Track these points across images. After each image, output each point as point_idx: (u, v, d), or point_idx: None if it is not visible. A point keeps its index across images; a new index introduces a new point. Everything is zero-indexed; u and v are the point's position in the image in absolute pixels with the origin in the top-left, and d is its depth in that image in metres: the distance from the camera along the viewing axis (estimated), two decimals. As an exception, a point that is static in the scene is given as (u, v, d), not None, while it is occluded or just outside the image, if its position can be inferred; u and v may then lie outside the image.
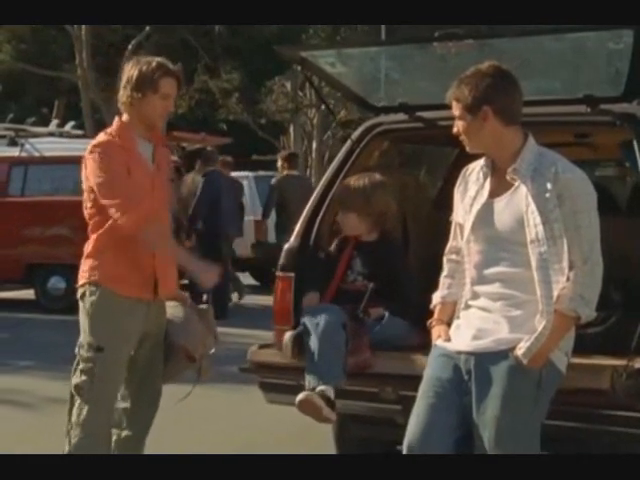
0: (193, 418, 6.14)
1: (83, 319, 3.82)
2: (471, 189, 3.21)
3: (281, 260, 4.32)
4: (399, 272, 4.13)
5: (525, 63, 3.88)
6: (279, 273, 4.31)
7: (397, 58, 4.26)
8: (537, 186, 3.02)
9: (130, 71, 3.75)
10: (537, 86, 4.00)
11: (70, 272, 10.81)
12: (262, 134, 27.52)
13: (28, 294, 11.65)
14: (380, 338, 3.90)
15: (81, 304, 3.87)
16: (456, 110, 3.11)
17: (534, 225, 3.00)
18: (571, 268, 3.00)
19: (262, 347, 4.13)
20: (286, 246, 4.36)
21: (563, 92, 4.22)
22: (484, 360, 3.06)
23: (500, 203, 3.11)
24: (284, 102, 28.04)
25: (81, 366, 3.75)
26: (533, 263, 3.00)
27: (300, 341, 3.77)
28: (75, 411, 3.79)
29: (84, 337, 3.78)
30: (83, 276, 3.88)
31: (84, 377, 3.73)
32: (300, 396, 3.65)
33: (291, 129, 28.84)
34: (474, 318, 3.15)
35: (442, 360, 3.18)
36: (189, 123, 26.43)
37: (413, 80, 4.35)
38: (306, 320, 3.85)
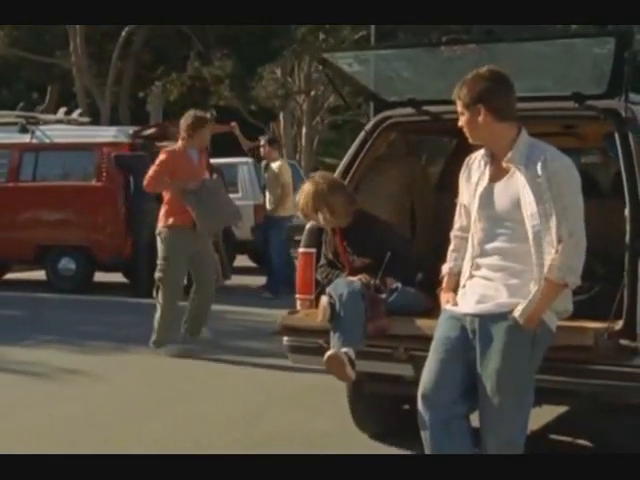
0: (208, 384, 6.65)
1: None
2: (474, 175, 3.67)
3: (303, 238, 4.85)
4: (386, 247, 4.50)
5: (521, 65, 4.31)
6: (302, 249, 4.84)
7: (407, 59, 4.68)
8: (530, 172, 3.47)
9: (186, 120, 7.39)
10: (532, 84, 4.41)
11: (80, 253, 11.32)
12: (252, 120, 27.75)
13: (39, 275, 12.05)
14: (395, 306, 4.36)
15: None
16: (458, 107, 3.58)
17: (529, 204, 3.45)
18: (559, 242, 3.44)
19: (291, 313, 4.63)
20: (307, 225, 4.88)
21: (554, 90, 4.58)
22: (487, 321, 3.52)
23: (499, 187, 3.56)
24: (274, 88, 28.30)
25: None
26: (530, 236, 3.46)
27: (334, 307, 4.25)
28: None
29: None
30: None
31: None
32: (329, 352, 4.14)
33: (281, 115, 29.10)
34: (478, 286, 3.61)
35: (450, 322, 3.66)
36: (181, 109, 26.67)
37: (421, 79, 4.79)
38: (331, 291, 4.32)
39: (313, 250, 4.77)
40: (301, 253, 4.83)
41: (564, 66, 4.43)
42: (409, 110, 4.83)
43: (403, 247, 4.60)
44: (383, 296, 4.40)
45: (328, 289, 4.39)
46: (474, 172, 3.69)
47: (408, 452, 4.71)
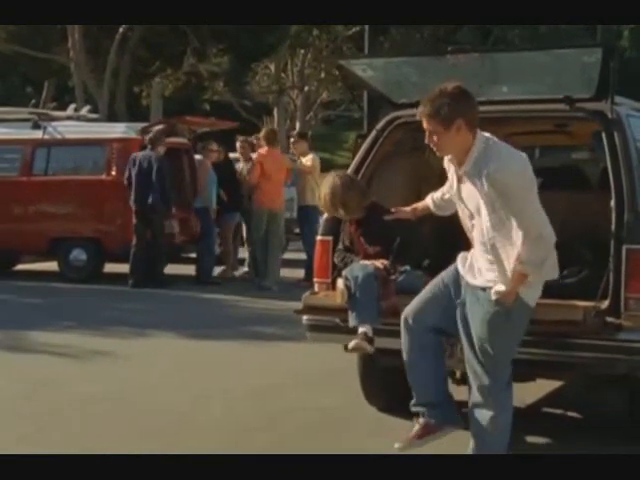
0: (227, 365, 7.12)
1: None
2: (450, 171, 4.11)
3: (321, 227, 5.35)
4: (396, 235, 4.92)
5: (519, 71, 4.79)
6: (319, 237, 5.33)
7: (416, 66, 5.16)
8: (480, 184, 3.84)
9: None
10: (528, 89, 4.89)
11: (90, 245, 11.75)
12: (245, 115, 28.09)
13: (48, 265, 12.46)
14: (403, 286, 4.80)
15: None
16: (428, 124, 3.83)
17: (486, 215, 3.89)
18: (522, 238, 3.83)
19: (312, 294, 5.12)
20: (325, 216, 5.38)
21: (548, 93, 4.98)
22: (476, 290, 4.06)
23: (464, 190, 3.99)
24: (268, 84, 28.69)
25: None
26: (488, 246, 3.92)
27: (350, 288, 4.73)
28: None
29: None
30: None
31: None
32: (352, 344, 4.64)
33: (275, 110, 29.49)
34: (476, 262, 4.10)
35: (453, 273, 4.24)
36: (175, 104, 27.01)
37: (429, 84, 5.26)
38: (347, 274, 4.79)
39: (329, 238, 5.25)
40: (318, 241, 5.33)
41: (557, 73, 4.84)
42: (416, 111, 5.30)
43: (411, 235, 5.04)
44: (393, 277, 4.89)
45: (344, 272, 4.86)
46: (450, 168, 4.11)
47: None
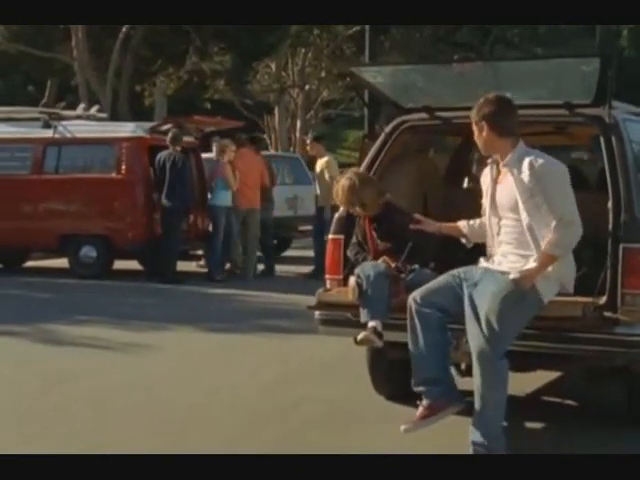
0: (239, 357, 7.35)
1: None
2: (487, 179, 4.55)
3: (332, 226, 5.59)
4: (405, 233, 5.14)
5: (522, 79, 5.04)
6: (331, 236, 5.58)
7: (423, 73, 5.42)
8: (519, 173, 4.32)
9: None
10: (531, 95, 5.12)
11: (100, 242, 12.00)
12: (247, 113, 28.25)
13: (57, 262, 12.69)
14: (413, 284, 4.99)
15: None
16: (473, 125, 4.44)
17: (523, 201, 4.32)
18: (553, 224, 4.27)
19: (325, 291, 5.36)
20: (336, 215, 5.63)
21: (550, 99, 5.24)
22: (494, 273, 4.43)
23: (500, 188, 4.44)
24: (269, 82, 28.86)
25: None
26: (525, 228, 4.32)
27: (361, 286, 4.97)
28: None
29: None
30: None
31: None
32: (361, 335, 4.87)
33: (276, 110, 29.67)
34: (496, 257, 4.52)
35: (468, 269, 4.56)
36: (177, 103, 27.20)
37: (435, 90, 5.53)
38: (359, 272, 5.02)
39: (341, 236, 5.48)
40: (330, 239, 5.57)
41: (557, 80, 5.10)
42: (423, 115, 5.58)
43: (421, 238, 5.27)
44: (402, 275, 5.14)
45: (356, 270, 5.09)
46: (486, 176, 4.57)
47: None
